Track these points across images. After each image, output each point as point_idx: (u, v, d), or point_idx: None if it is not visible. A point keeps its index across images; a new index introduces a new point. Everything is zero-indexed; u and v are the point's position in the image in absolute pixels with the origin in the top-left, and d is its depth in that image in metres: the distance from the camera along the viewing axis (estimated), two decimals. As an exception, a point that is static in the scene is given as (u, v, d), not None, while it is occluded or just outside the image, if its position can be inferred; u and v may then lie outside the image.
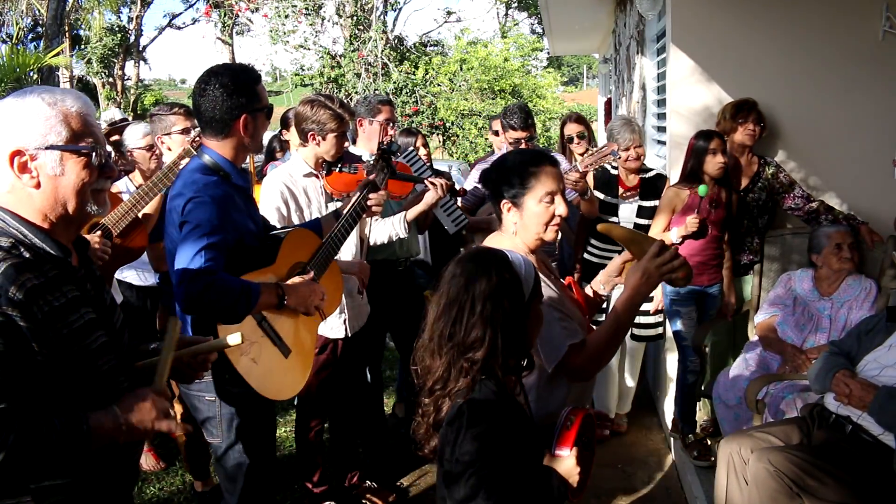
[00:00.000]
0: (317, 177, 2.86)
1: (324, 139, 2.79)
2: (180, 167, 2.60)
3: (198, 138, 2.59)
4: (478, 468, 1.36)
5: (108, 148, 3.20)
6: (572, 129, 4.19)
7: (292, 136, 3.64)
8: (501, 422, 1.40)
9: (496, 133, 4.31)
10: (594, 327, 1.95)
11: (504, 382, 1.46)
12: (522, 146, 3.66)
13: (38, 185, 1.33)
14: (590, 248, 3.69)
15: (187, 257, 1.89)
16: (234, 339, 1.58)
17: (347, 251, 2.89)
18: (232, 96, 2.04)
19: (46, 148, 1.32)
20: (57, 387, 1.30)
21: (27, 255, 1.31)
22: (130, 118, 3.85)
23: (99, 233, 2.54)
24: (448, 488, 1.42)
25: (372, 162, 2.72)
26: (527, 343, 1.54)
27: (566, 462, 1.45)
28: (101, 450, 1.35)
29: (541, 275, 1.84)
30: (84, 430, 1.28)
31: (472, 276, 1.46)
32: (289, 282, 2.11)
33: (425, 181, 3.04)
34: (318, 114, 2.75)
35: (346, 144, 2.93)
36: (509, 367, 1.47)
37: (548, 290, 1.81)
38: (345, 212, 2.48)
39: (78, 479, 1.38)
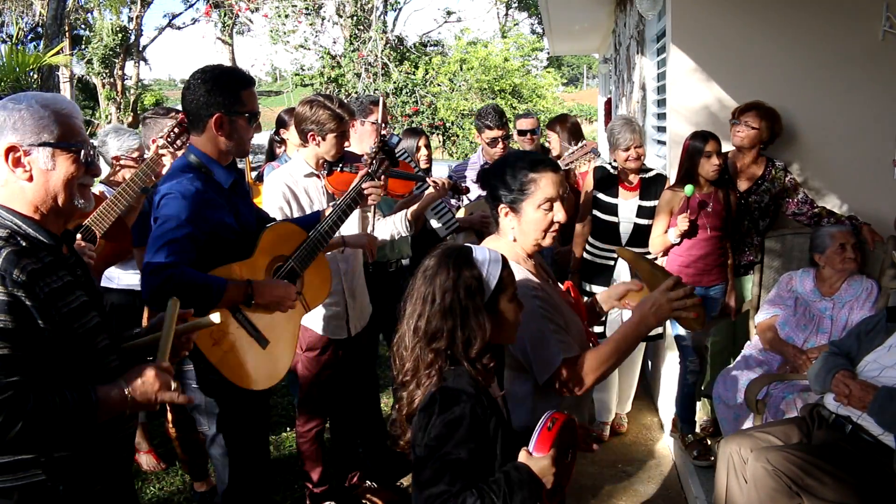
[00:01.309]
0: (318, 177, 2.86)
1: (323, 139, 2.78)
2: (161, 164, 2.61)
3: (172, 134, 2.61)
4: (444, 453, 1.39)
5: (94, 142, 3.17)
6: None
7: (290, 135, 3.64)
8: (472, 410, 1.43)
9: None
10: (592, 331, 1.95)
11: (482, 371, 1.50)
12: (500, 145, 3.67)
13: (30, 179, 1.45)
14: (589, 248, 3.69)
15: (152, 250, 1.95)
16: (215, 317, 1.66)
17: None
18: (210, 93, 2.07)
19: (40, 144, 1.44)
20: (62, 362, 1.42)
21: (24, 244, 1.43)
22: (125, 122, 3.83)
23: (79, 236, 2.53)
24: (416, 472, 1.45)
25: (371, 152, 2.71)
26: (496, 337, 1.55)
27: (542, 462, 1.44)
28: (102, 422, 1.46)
29: (538, 280, 1.83)
30: (93, 401, 1.40)
31: (433, 270, 1.52)
32: (260, 281, 2.11)
33: (427, 180, 3.05)
34: (317, 114, 2.75)
35: (347, 144, 2.93)
36: (472, 360, 1.50)
37: (543, 298, 1.78)
38: (337, 203, 2.47)
39: (82, 452, 1.48)
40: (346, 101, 2.94)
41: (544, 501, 1.47)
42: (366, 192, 2.52)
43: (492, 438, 1.46)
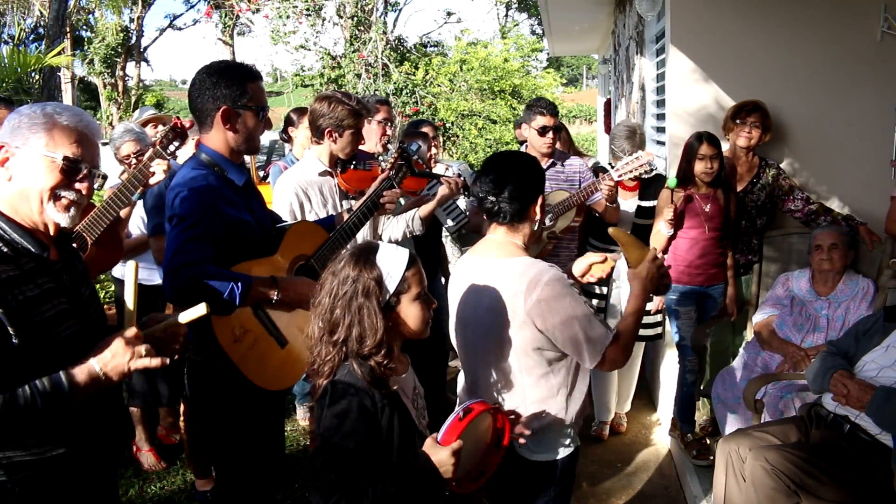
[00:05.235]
0: (331, 175, 2.85)
1: (340, 136, 2.77)
2: (151, 169, 2.62)
3: (165, 141, 2.61)
4: (334, 443, 1.48)
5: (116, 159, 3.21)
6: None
7: (298, 134, 3.65)
8: (360, 404, 1.51)
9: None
10: None
11: (375, 368, 1.55)
12: (549, 135, 3.51)
13: (10, 179, 1.49)
14: (588, 248, 3.70)
15: (172, 249, 1.92)
16: (199, 310, 1.59)
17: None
18: (215, 87, 2.03)
19: (25, 147, 1.47)
20: (31, 369, 1.41)
21: (5, 250, 1.46)
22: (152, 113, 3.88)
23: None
24: (311, 459, 1.53)
25: (390, 160, 2.71)
26: (400, 334, 1.63)
27: (440, 453, 1.51)
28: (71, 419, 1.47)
29: (565, 275, 1.90)
30: (64, 388, 1.40)
31: (341, 267, 1.59)
32: (284, 277, 2.08)
33: (440, 178, 3.06)
34: (335, 110, 2.73)
35: (361, 142, 2.91)
36: (364, 356, 1.55)
37: (575, 292, 1.85)
38: (356, 206, 2.48)
39: (44, 455, 1.48)
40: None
41: (457, 489, 1.58)
42: (383, 200, 2.54)
43: (386, 431, 1.53)
